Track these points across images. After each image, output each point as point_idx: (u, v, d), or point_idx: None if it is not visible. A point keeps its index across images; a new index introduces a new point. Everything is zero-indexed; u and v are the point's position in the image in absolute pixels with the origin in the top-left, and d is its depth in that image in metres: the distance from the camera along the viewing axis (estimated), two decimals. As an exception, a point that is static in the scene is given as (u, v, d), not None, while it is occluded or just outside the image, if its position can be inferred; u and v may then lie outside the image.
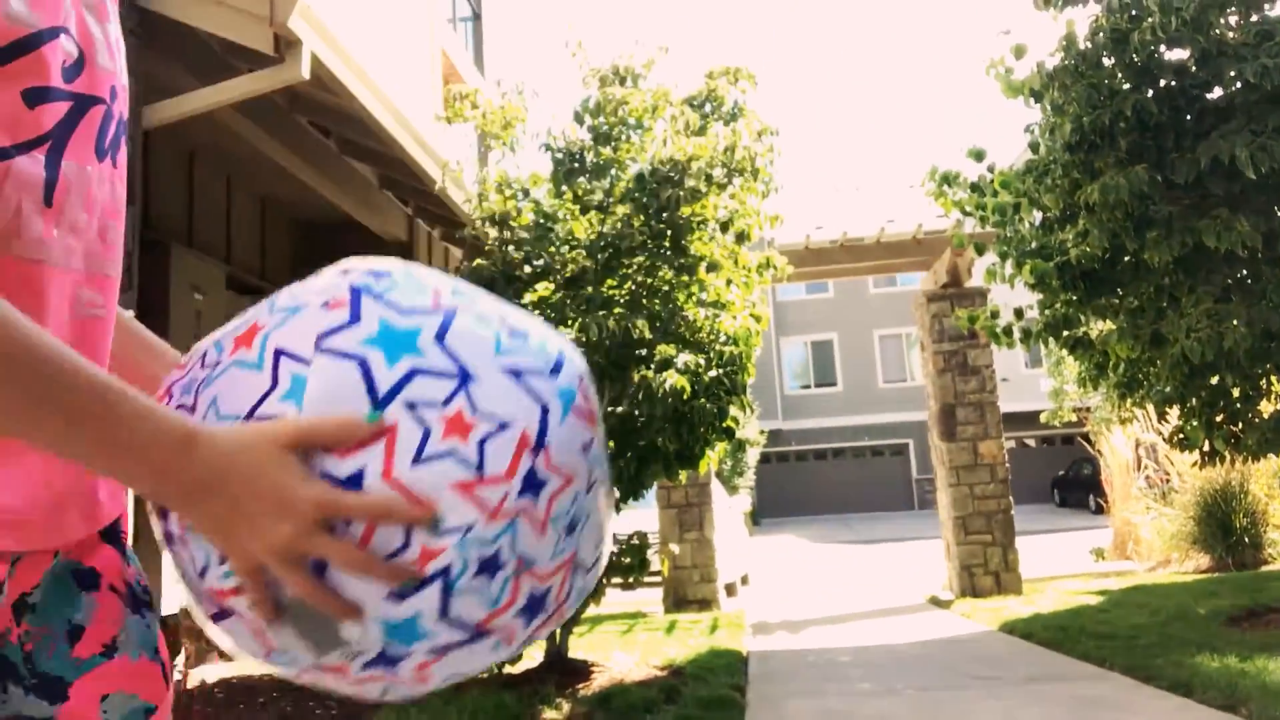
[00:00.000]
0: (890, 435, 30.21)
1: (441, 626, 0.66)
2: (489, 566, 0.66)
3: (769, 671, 5.59)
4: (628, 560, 5.38)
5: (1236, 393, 5.72)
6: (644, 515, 9.42)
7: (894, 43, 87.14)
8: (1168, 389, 5.83)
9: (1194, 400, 5.83)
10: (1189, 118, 5.34)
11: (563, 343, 0.77)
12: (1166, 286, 5.50)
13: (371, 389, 0.65)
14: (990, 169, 6.13)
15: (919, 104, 79.60)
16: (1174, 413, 6.20)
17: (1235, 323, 5.07)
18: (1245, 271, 5.44)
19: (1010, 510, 8.69)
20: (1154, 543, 10.22)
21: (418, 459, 0.64)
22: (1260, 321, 5.06)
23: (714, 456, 5.69)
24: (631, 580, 5.53)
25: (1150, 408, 6.65)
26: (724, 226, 5.57)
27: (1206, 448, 5.93)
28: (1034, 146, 5.84)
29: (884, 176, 49.94)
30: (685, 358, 4.99)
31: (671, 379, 4.83)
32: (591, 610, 7.38)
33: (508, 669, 5.05)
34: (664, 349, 5.01)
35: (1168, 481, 10.30)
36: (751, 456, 25.09)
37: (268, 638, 0.68)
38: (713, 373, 5.18)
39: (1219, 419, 5.82)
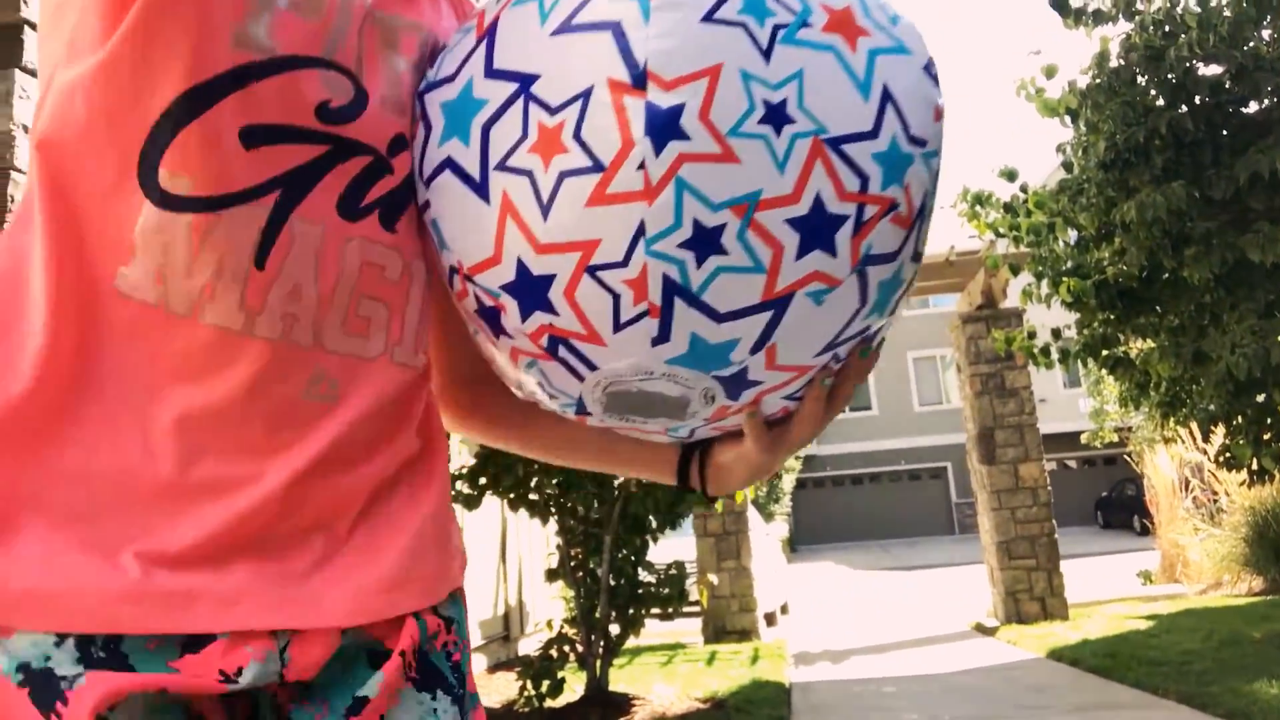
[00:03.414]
0: (928, 459, 29.85)
1: (729, 327, 0.59)
2: (703, 242, 0.56)
3: (813, 703, 5.51)
4: (666, 591, 5.35)
5: (1285, 409, 5.60)
6: (682, 545, 9.38)
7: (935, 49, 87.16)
8: (1212, 407, 5.72)
9: (1240, 418, 5.71)
10: (1225, 133, 5.27)
11: None
12: (1207, 304, 5.41)
13: (469, 181, 0.61)
14: (1023, 189, 6.09)
15: (948, 124, 79.35)
16: (1219, 431, 6.07)
17: (1281, 338, 4.97)
18: (1289, 286, 5.34)
19: (1054, 534, 8.53)
20: (1203, 565, 9.99)
21: (545, 210, 0.58)
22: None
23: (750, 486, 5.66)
24: (670, 611, 5.50)
25: (1194, 426, 6.52)
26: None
27: (1255, 466, 5.79)
28: (1067, 166, 5.80)
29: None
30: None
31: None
32: (631, 641, 7.35)
33: (549, 703, 5.02)
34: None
35: (1215, 501, 10.09)
36: (787, 483, 24.91)
37: (646, 426, 0.68)
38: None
39: (1267, 436, 5.69)
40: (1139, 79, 5.34)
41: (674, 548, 8.99)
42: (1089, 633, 7.15)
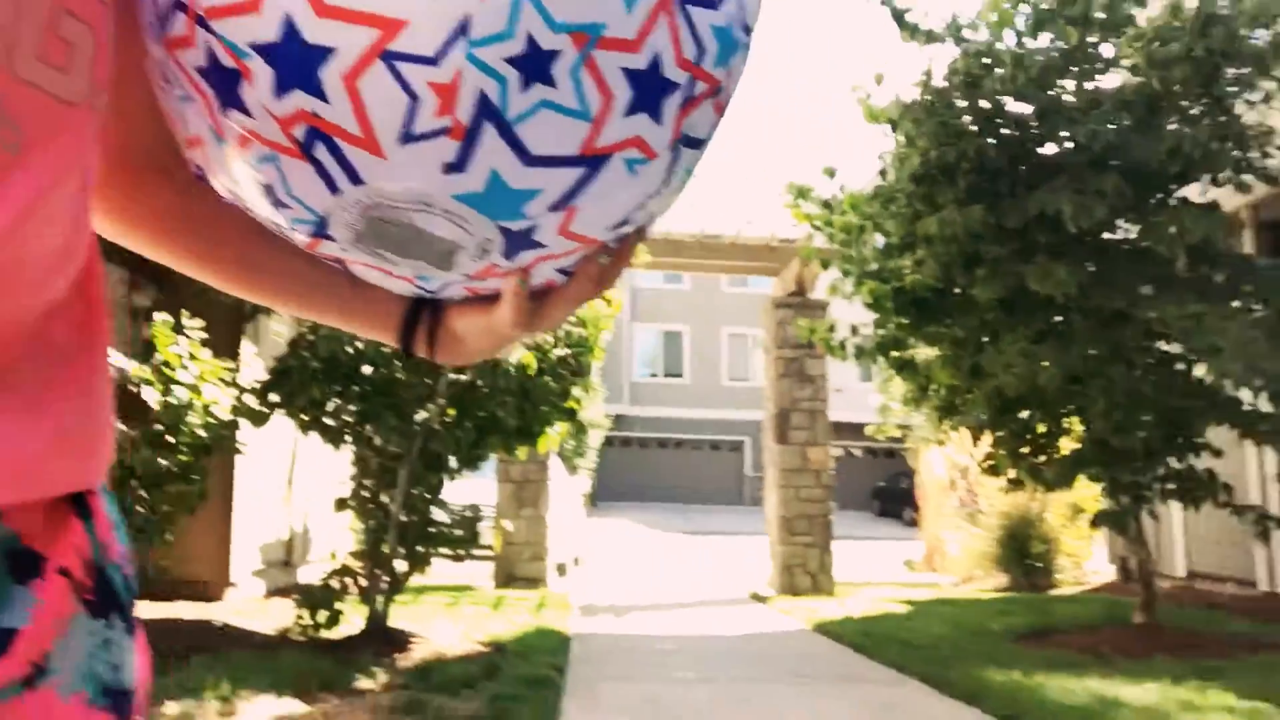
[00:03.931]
0: (729, 431, 31.10)
1: (537, 174, 0.52)
2: (533, 64, 0.48)
3: (590, 654, 5.72)
4: (459, 532, 5.40)
5: (1042, 428, 6.22)
6: (483, 487, 9.42)
7: (777, 50, 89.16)
8: (982, 417, 6.29)
9: (1004, 431, 6.31)
10: (1023, 168, 5.76)
11: None
12: (989, 322, 5.91)
13: None
14: (841, 188, 6.44)
15: (798, 113, 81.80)
16: (985, 440, 6.69)
17: (1046, 364, 5.50)
18: (1060, 317, 5.91)
19: (830, 515, 9.16)
20: (960, 559, 10.96)
21: None
22: (1068, 365, 5.50)
23: (555, 436, 5.78)
24: (461, 553, 5.55)
25: (965, 432, 7.16)
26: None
27: (1011, 475, 6.43)
28: (883, 173, 6.18)
29: (750, 179, 51.08)
30: (534, 335, 5.03)
31: (517, 353, 4.87)
32: (419, 580, 7.34)
33: (325, 634, 4.98)
34: (515, 325, 5.04)
35: (976, 503, 11.05)
36: (595, 439, 25.34)
37: (395, 270, 0.58)
38: (559, 351, 5.26)
39: (1024, 450, 6.33)
40: (956, 102, 5.74)
41: (474, 489, 9.02)
42: (852, 610, 7.74)
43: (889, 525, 22.25)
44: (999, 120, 5.77)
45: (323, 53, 0.47)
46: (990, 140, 5.64)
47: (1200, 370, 5.67)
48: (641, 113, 0.52)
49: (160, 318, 4.98)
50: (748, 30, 0.57)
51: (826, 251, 7.01)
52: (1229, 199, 6.15)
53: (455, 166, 0.50)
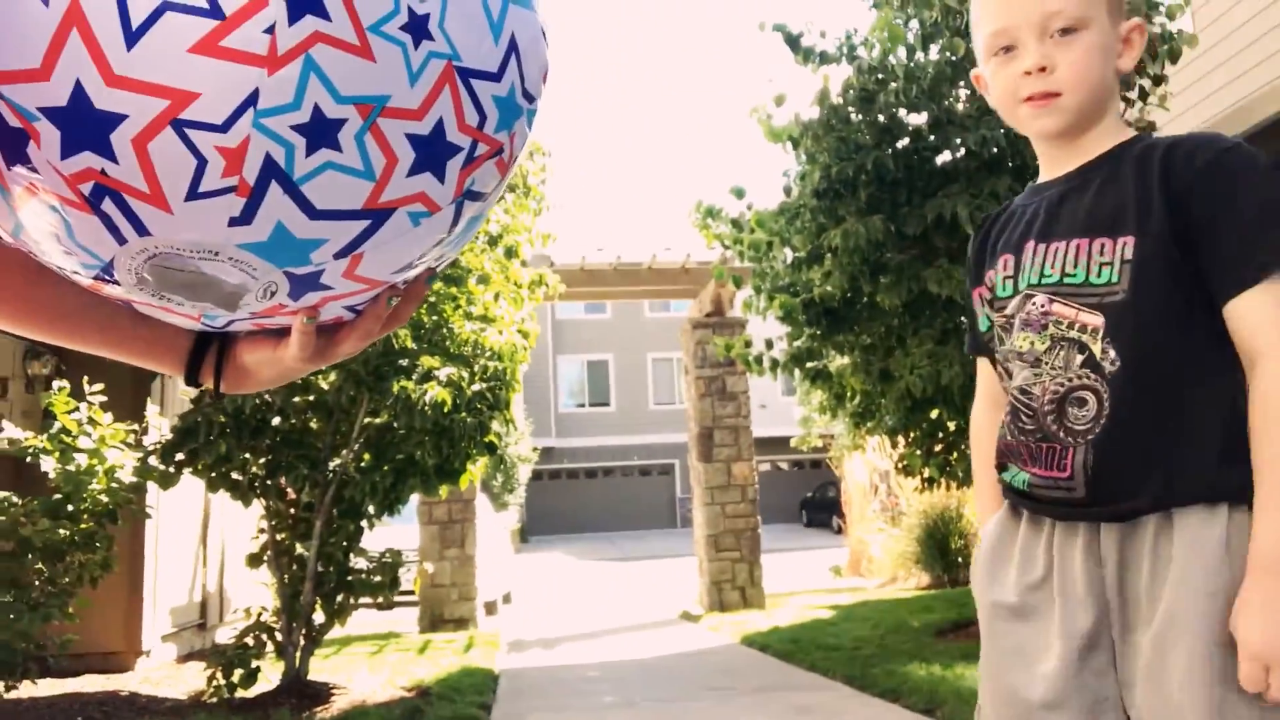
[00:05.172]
0: (659, 455, 31.12)
1: (322, 226, 0.55)
2: (318, 131, 0.52)
3: (518, 689, 5.60)
4: (378, 578, 5.23)
5: (951, 426, 6.36)
6: (404, 532, 9.20)
7: (677, 79, 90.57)
8: (894, 420, 6.40)
9: (915, 431, 6.43)
10: (920, 177, 5.91)
11: None
12: (895, 327, 6.04)
13: None
14: (749, 207, 6.52)
15: (704, 138, 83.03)
16: (900, 442, 6.81)
17: (950, 363, 5.65)
18: (962, 318, 6.08)
19: (758, 529, 9.19)
20: (884, 561, 11.13)
21: (131, 38, 0.49)
22: (970, 363, 5.66)
23: (476, 471, 5.67)
24: (382, 600, 5.38)
25: (883, 437, 7.26)
26: (493, 241, 5.58)
27: (925, 474, 6.56)
28: (787, 190, 6.27)
29: (663, 206, 51.60)
30: (448, 370, 4.94)
31: (433, 391, 4.77)
32: (341, 631, 7.10)
33: (240, 692, 4.76)
34: (427, 360, 4.94)
35: (898, 505, 11.26)
36: (523, 473, 25.07)
37: (179, 310, 0.60)
38: (476, 386, 5.16)
39: (936, 449, 6.46)
40: (853, 118, 5.87)
41: (396, 534, 8.79)
42: (779, 621, 7.77)
43: (818, 535, 22.47)
44: (895, 132, 5.90)
45: (113, 118, 0.50)
46: (887, 152, 5.77)
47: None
48: (425, 172, 0.57)
49: (59, 385, 4.81)
50: (530, 97, 0.63)
51: (739, 270, 7.07)
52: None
53: (240, 220, 0.53)
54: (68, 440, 4.67)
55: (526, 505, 27.48)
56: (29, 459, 4.64)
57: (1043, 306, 1.13)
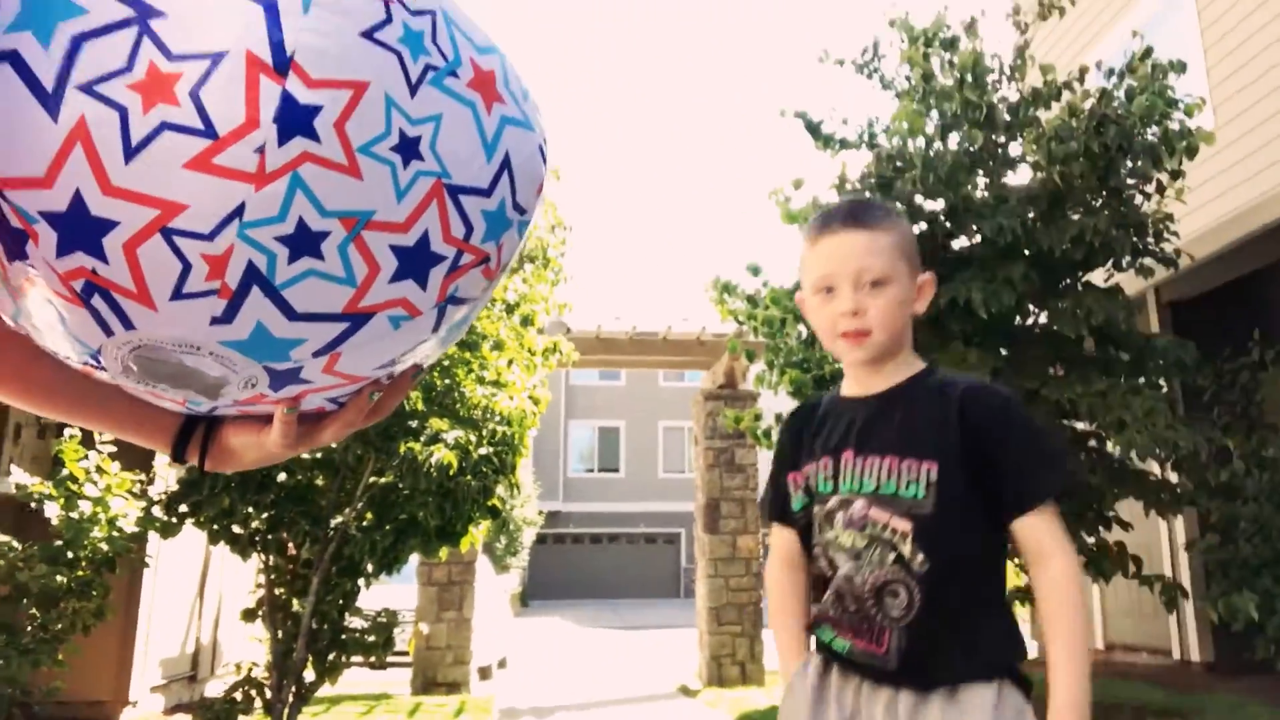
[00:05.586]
0: (666, 524, 30.82)
1: (301, 327, 0.58)
2: (302, 242, 0.55)
3: (509, 761, 5.47)
4: (372, 638, 5.17)
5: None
6: (403, 591, 9.09)
7: (700, 157, 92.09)
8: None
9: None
10: (936, 263, 5.94)
11: None
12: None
13: (36, 88, 0.52)
14: (764, 284, 6.55)
15: (724, 215, 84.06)
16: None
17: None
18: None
19: (760, 603, 9.04)
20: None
21: (130, 153, 0.52)
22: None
23: (477, 534, 5.62)
24: (375, 660, 5.30)
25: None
26: (510, 309, 5.63)
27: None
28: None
29: (681, 279, 52.04)
30: (456, 433, 4.93)
31: (439, 454, 4.76)
32: (333, 690, 6.99)
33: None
34: (435, 423, 4.94)
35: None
36: (527, 536, 24.85)
37: (165, 394, 0.63)
38: (483, 450, 5.15)
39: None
40: (871, 202, 5.92)
41: (394, 593, 8.69)
42: (778, 699, 7.57)
43: (825, 616, 22.08)
44: (912, 217, 5.95)
45: (106, 224, 0.53)
46: (904, 236, 5.81)
47: (1111, 446, 5.81)
48: (407, 279, 0.59)
49: (70, 433, 4.85)
50: (520, 209, 0.65)
51: (753, 344, 7.08)
52: (1132, 282, 6.40)
53: (222, 320, 0.56)
54: (74, 487, 4.69)
55: (529, 569, 27.20)
56: (34, 504, 4.65)
57: (862, 510, 1.36)
